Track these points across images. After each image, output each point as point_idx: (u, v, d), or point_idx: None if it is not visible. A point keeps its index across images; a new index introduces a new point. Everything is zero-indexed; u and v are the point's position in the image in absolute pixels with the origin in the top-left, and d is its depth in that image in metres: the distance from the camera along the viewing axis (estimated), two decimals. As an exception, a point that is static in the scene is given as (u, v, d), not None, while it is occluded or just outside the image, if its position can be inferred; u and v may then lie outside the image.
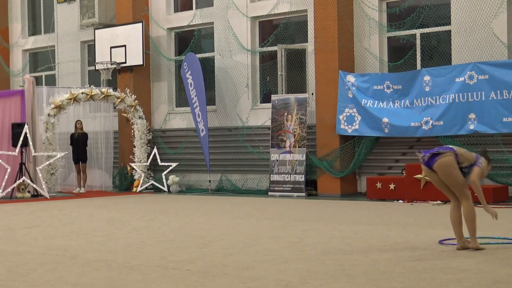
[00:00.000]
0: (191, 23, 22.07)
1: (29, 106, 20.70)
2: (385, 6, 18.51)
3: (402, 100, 17.41)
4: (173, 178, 21.03)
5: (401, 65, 18.02)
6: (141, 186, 21.37)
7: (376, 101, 17.79)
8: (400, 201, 16.52)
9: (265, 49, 20.57)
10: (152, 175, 21.82)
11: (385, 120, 17.53)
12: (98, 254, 9.35)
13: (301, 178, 18.83)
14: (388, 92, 17.64)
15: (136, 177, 21.72)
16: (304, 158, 18.85)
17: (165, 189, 21.04)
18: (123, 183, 22.12)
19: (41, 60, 26.93)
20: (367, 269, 7.86)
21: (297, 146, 19.03)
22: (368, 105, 17.86)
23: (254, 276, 7.56)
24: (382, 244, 9.83)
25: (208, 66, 21.52)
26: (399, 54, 18.33)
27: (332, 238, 10.55)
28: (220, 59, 21.30)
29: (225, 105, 21.14)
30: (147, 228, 12.45)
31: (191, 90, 20.69)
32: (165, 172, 21.23)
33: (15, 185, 19.82)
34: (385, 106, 17.66)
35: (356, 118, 18.09)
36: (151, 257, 9.00)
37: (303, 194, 18.64)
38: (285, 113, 19.28)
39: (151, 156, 21.63)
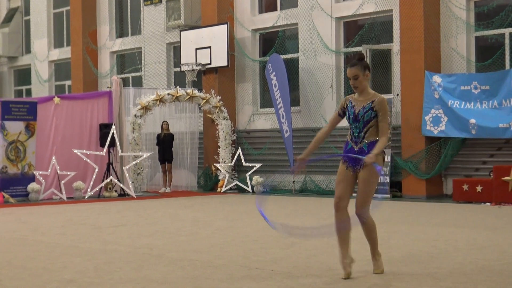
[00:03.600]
0: (276, 24, 22.11)
1: (116, 107, 21.06)
2: (473, 5, 18.19)
3: (490, 101, 17.09)
4: (257, 178, 21.10)
5: (489, 65, 17.69)
6: (225, 187, 21.50)
7: (463, 102, 17.52)
8: (487, 203, 16.22)
9: (349, 49, 20.46)
10: (236, 175, 21.93)
11: (472, 121, 17.23)
12: (183, 253, 9.45)
13: (385, 179, 18.66)
14: (476, 92, 17.34)
15: (220, 177, 21.87)
16: (389, 159, 18.68)
17: (249, 189, 21.13)
18: (208, 183, 22.30)
19: (128, 62, 27.35)
20: (453, 272, 7.76)
21: (382, 147, 18.84)
22: (454, 106, 17.59)
23: (337, 277, 7.54)
24: (469, 247, 9.67)
25: (292, 67, 21.52)
26: (487, 54, 17.98)
27: (417, 240, 10.44)
28: (304, 60, 21.29)
29: (309, 106, 21.10)
30: (231, 228, 12.53)
31: (276, 91, 20.73)
32: (249, 173, 21.33)
33: (102, 184, 20.20)
34: (472, 107, 17.38)
35: (442, 119, 17.84)
36: (235, 257, 9.06)
37: (388, 195, 18.47)
38: (370, 114, 19.11)
39: (236, 157, 21.75)
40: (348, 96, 8.05)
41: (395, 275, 7.62)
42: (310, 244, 10.14)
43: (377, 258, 7.82)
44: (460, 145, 18.01)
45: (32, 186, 19.32)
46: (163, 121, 22.27)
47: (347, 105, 7.95)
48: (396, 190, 18.70)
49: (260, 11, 22.85)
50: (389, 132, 7.67)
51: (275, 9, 22.43)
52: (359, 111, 7.78)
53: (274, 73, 20.78)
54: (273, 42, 22.08)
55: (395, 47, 19.30)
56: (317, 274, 7.79)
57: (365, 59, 7.95)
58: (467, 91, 17.49)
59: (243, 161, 21.55)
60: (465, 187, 16.87)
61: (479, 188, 16.58)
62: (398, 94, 19.01)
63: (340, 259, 7.65)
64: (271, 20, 22.28)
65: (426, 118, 18.05)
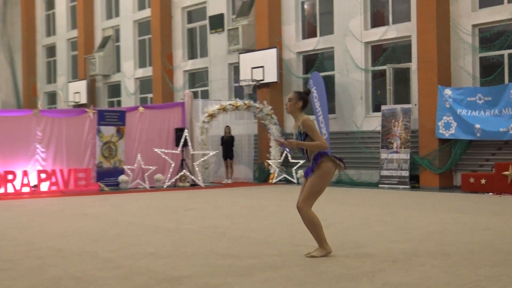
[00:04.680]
0: (316, 48, 22.05)
1: (188, 115, 21.23)
2: (477, 31, 17.93)
3: (492, 110, 16.85)
4: (301, 172, 21.05)
5: (491, 80, 17.42)
6: (275, 179, 21.51)
7: (470, 110, 17.30)
8: (490, 193, 15.95)
9: (376, 68, 20.33)
10: (284, 169, 21.92)
11: (477, 126, 17.01)
12: (241, 232, 9.49)
13: (406, 173, 18.49)
14: (480, 102, 17.11)
15: (271, 171, 21.89)
16: (408, 157, 18.51)
17: (295, 181, 21.10)
18: (261, 176, 22.33)
19: (197, 79, 27.53)
20: (461, 249, 7.66)
21: (402, 147, 18.70)
22: (462, 113, 17.37)
23: (367, 253, 7.50)
24: (474, 229, 9.53)
25: (329, 82, 21.42)
26: (489, 71, 17.70)
27: (432, 223, 10.32)
28: (339, 76, 21.20)
29: (343, 114, 21.00)
30: (280, 212, 12.54)
31: (316, 102, 20.67)
32: (295, 167, 21.29)
33: (177, 176, 20.36)
34: (477, 114, 17.15)
35: (452, 125, 17.62)
36: (284, 236, 9.06)
37: (408, 186, 18.29)
38: (393, 120, 18.98)
39: (284, 155, 21.74)
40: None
41: (413, 251, 7.55)
42: (344, 226, 10.11)
43: (316, 249, 7.32)
44: (467, 145, 17.77)
45: (122, 177, 19.57)
46: (226, 126, 22.39)
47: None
48: (414, 182, 18.49)
49: (303, 38, 22.81)
50: (324, 141, 7.20)
51: (315, 36, 22.37)
52: (295, 134, 7.41)
53: (314, 87, 20.72)
54: (314, 62, 22.03)
55: (413, 66, 19.11)
56: (351, 250, 7.75)
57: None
58: (473, 102, 17.27)
59: (289, 158, 21.53)
60: (472, 180, 16.61)
61: (483, 181, 16.30)
62: (416, 104, 18.82)
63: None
64: (312, 44, 22.24)
65: (439, 123, 17.85)
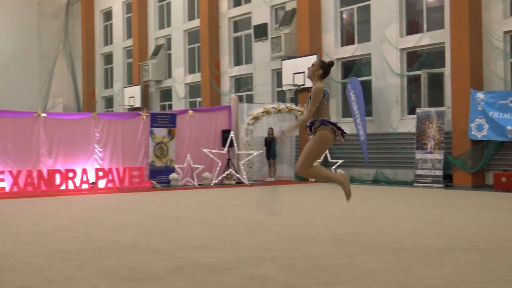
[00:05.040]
0: (353, 54, 21.90)
1: (234, 117, 21.27)
2: (508, 37, 17.57)
3: (523, 112, 16.53)
4: (340, 171, 20.90)
5: (522, 84, 17.10)
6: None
7: (501, 113, 16.95)
8: (521, 192, 15.64)
9: (411, 73, 20.08)
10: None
11: (509, 128, 16.66)
12: (284, 227, 9.45)
13: (439, 173, 18.21)
14: (511, 105, 16.76)
15: (311, 170, 21.75)
16: (442, 157, 18.23)
17: (334, 179, 20.93)
18: (303, 175, 22.21)
19: (242, 84, 27.59)
20: (494, 245, 7.49)
21: (436, 148, 18.42)
22: (494, 116, 17.03)
23: (403, 248, 7.38)
24: (507, 225, 9.32)
25: (366, 87, 21.23)
26: (521, 75, 17.38)
27: (465, 220, 10.13)
28: (376, 81, 21.00)
29: (380, 116, 20.79)
30: (320, 208, 12.47)
31: (354, 105, 20.51)
32: (334, 167, 21.15)
33: (224, 175, 20.42)
34: (508, 117, 16.80)
35: (484, 126, 17.29)
36: (323, 231, 8.99)
37: (441, 185, 18.01)
38: (427, 122, 18.72)
39: (323, 154, 21.61)
40: None
41: (448, 247, 7.40)
42: (381, 222, 9.99)
43: (344, 191, 7.31)
44: (499, 146, 17.41)
45: (173, 175, 19.70)
46: (269, 128, 22.36)
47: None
48: (448, 181, 18.19)
49: (342, 45, 22.66)
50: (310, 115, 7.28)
51: (353, 43, 22.21)
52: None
53: (352, 91, 20.57)
54: (352, 68, 21.87)
55: (446, 71, 18.83)
56: (387, 245, 7.64)
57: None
58: (504, 105, 16.93)
59: (329, 157, 21.38)
60: (503, 179, 16.29)
61: (514, 180, 16.02)
62: (449, 107, 18.53)
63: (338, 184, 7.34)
64: (350, 51, 22.07)
65: (472, 125, 17.53)
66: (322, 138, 7.16)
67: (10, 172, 17.46)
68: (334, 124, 7.27)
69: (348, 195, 7.27)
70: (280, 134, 7.30)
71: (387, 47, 20.54)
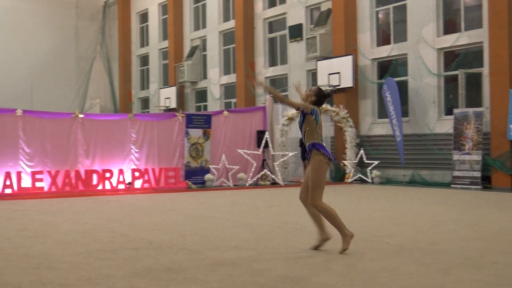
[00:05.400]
0: (390, 55, 21.70)
1: (269, 118, 21.28)
2: (549, 36, 17.25)
3: None
4: (375, 172, 20.77)
5: None
6: (351, 178, 21.29)
7: (541, 113, 16.64)
8: (562, 194, 15.30)
9: (448, 73, 19.81)
10: (359, 170, 21.66)
11: (549, 128, 16.35)
12: (319, 228, 9.42)
13: (477, 174, 17.93)
14: (552, 105, 16.45)
15: (347, 171, 21.67)
16: (480, 158, 17.95)
17: (369, 180, 20.81)
18: (337, 176, 22.13)
19: (277, 84, 27.57)
20: (534, 248, 7.36)
21: (474, 149, 18.15)
22: (534, 116, 16.73)
23: (440, 250, 7.30)
24: (547, 228, 9.15)
25: (402, 87, 21.03)
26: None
27: (504, 222, 9.96)
28: (412, 81, 20.78)
29: (416, 117, 20.57)
30: (356, 209, 12.39)
31: (390, 106, 20.34)
32: (369, 168, 21.00)
33: (259, 175, 20.44)
34: (549, 117, 16.47)
35: (524, 127, 16.99)
36: (359, 232, 8.93)
37: (479, 187, 17.73)
38: (465, 123, 18.46)
39: (359, 156, 21.46)
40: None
41: (486, 249, 7.29)
42: (417, 223, 9.88)
43: (343, 242, 7.29)
44: (539, 147, 17.10)
45: (208, 176, 19.79)
46: (304, 129, 22.31)
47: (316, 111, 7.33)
48: (486, 183, 17.91)
49: (378, 45, 22.48)
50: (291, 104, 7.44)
51: (389, 43, 22.01)
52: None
53: (388, 91, 20.40)
54: (388, 68, 21.68)
55: (485, 70, 18.54)
56: (424, 247, 7.56)
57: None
58: (545, 105, 16.62)
59: (364, 158, 21.24)
60: (543, 181, 16.00)
61: (555, 182, 15.69)
62: (487, 107, 18.24)
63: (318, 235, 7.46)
64: (386, 51, 21.89)
65: (511, 126, 17.23)
66: (318, 164, 7.27)
67: (49, 172, 17.76)
68: (325, 150, 7.33)
69: (343, 249, 7.19)
70: (262, 82, 7.12)
71: (424, 47, 20.32)
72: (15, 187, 17.12)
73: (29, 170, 17.58)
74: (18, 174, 17.30)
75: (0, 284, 5.67)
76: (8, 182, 17.04)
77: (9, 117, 17.55)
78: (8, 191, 16.96)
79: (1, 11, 36.46)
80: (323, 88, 7.79)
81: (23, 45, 36.72)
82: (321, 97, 7.40)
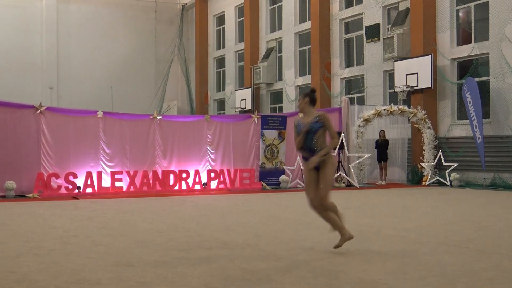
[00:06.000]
0: (470, 54, 21.11)
1: (344, 119, 21.11)
2: None
3: None
4: (454, 175, 20.25)
5: None
6: (428, 181, 20.83)
7: None
8: None
9: (533, 72, 19.11)
10: (437, 172, 21.18)
11: None
12: (395, 231, 9.27)
13: None
14: None
15: (425, 173, 21.22)
16: None
17: (448, 183, 20.31)
18: (415, 178, 21.71)
19: (353, 85, 27.33)
20: None
21: (560, 152, 17.43)
22: None
23: (522, 256, 7.04)
24: None
25: (483, 87, 20.41)
26: None
27: None
28: (494, 81, 20.13)
29: (498, 118, 19.90)
30: (433, 213, 12.11)
31: (470, 107, 19.78)
32: (448, 170, 20.50)
33: (334, 177, 20.29)
34: None
35: None
36: (437, 236, 8.73)
37: None
38: (550, 125, 17.74)
39: (437, 158, 20.98)
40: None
41: None
42: (498, 228, 9.56)
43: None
44: None
45: (283, 177, 19.81)
46: (381, 130, 22.04)
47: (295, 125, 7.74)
48: None
49: (458, 44, 21.91)
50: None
51: (470, 42, 21.41)
52: (307, 125, 7.62)
53: (469, 92, 19.84)
54: (468, 68, 21.08)
55: None
56: (505, 252, 7.30)
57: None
58: None
59: (443, 161, 20.75)
60: None
61: None
62: None
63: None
64: (466, 51, 21.30)
65: None
66: (334, 165, 7.60)
67: (128, 172, 18.23)
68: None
69: (338, 245, 7.37)
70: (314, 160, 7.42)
71: (507, 45, 19.64)
72: (96, 187, 17.66)
73: (109, 170, 18.10)
74: (99, 174, 17.84)
75: (80, 280, 5.86)
76: (89, 182, 17.60)
77: (91, 119, 18.14)
78: (89, 190, 17.52)
79: (83, 16, 37.72)
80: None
81: (104, 48, 37.88)
82: (310, 94, 7.71)
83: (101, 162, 18.11)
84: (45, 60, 36.48)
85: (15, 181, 16.62)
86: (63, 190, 17.22)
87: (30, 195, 16.59)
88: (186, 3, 40.56)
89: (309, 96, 7.69)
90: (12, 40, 35.61)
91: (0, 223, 10.73)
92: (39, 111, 17.42)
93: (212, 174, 19.34)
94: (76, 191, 17.34)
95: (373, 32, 25.32)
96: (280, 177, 19.81)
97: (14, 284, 5.71)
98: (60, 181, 17.32)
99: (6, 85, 34.22)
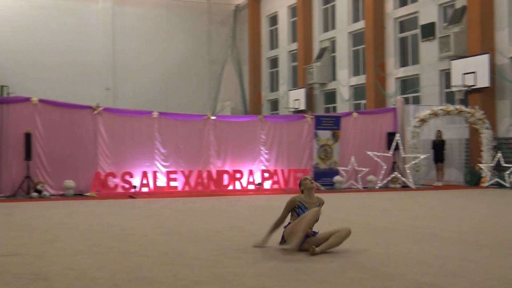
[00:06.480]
0: (531, 52, 20.59)
1: (399, 120, 20.88)
2: None
3: None
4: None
5: None
6: (487, 182, 20.38)
7: None
8: None
9: None
10: (496, 173, 20.69)
11: None
12: (454, 233, 9.09)
13: None
14: None
15: (483, 174, 20.77)
16: None
17: (507, 185, 19.82)
18: (473, 179, 21.27)
19: (408, 85, 26.98)
20: None
21: None
22: None
23: None
24: None
25: (545, 86, 19.90)
26: None
27: None
28: (556, 80, 19.58)
29: (560, 118, 19.36)
30: (493, 215, 11.82)
31: (530, 106, 19.30)
32: (507, 172, 20.02)
33: (389, 178, 20.09)
34: None
35: None
36: (496, 239, 8.53)
37: None
38: None
39: (496, 159, 20.51)
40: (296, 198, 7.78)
41: None
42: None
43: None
44: None
45: (337, 178, 19.71)
46: (437, 130, 21.70)
47: (297, 205, 7.71)
48: None
49: (517, 42, 21.42)
50: None
51: (530, 40, 20.88)
52: (310, 205, 7.71)
53: (529, 91, 19.36)
54: (529, 66, 20.57)
55: None
56: None
57: None
58: None
59: (502, 162, 20.27)
60: None
61: None
62: None
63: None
64: (526, 48, 20.79)
65: None
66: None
67: (182, 172, 18.44)
68: None
69: (287, 248, 7.24)
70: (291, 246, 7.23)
71: None
72: (151, 186, 17.93)
73: (164, 169, 18.35)
74: (154, 173, 18.11)
75: (137, 278, 5.95)
76: (145, 181, 17.88)
77: (146, 119, 18.42)
78: (144, 189, 17.80)
79: (138, 18, 38.34)
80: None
81: (159, 50, 38.41)
82: (300, 186, 7.90)
83: (156, 162, 18.37)
84: (102, 61, 37.24)
85: (74, 180, 17.03)
86: (119, 189, 17.56)
87: (88, 193, 16.97)
88: (239, 4, 40.76)
89: (300, 185, 7.91)
90: (69, 42, 36.47)
91: (59, 221, 11.00)
92: (96, 111, 17.80)
93: (266, 174, 19.38)
94: (132, 190, 17.65)
95: (428, 30, 24.94)
96: (334, 177, 19.71)
97: (73, 281, 5.84)
98: (117, 180, 17.66)
99: (65, 87, 35.07)
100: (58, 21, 36.49)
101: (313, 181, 7.87)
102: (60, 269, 6.40)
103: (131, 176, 17.82)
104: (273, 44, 38.47)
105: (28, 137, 16.73)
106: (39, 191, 16.47)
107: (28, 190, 16.64)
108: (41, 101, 17.33)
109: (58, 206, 14.01)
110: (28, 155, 16.70)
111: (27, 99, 17.23)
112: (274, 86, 38.48)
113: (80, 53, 36.67)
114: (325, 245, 7.31)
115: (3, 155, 16.77)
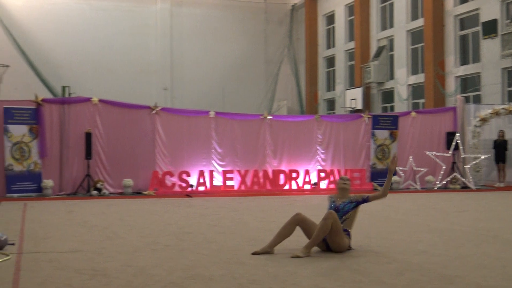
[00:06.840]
0: None
1: (459, 119, 20.48)
2: None
3: None
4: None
5: None
6: (551, 184, 19.79)
7: None
8: None
9: None
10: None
11: None
12: (516, 236, 8.86)
13: None
14: None
15: (546, 176, 20.17)
16: None
17: None
18: (535, 181, 20.70)
19: (469, 84, 26.40)
20: None
21: None
22: None
23: None
24: None
25: None
26: None
27: None
28: None
29: None
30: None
31: None
32: None
33: (448, 178, 19.70)
34: None
35: None
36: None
37: None
38: None
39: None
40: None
41: None
42: None
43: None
44: None
45: (394, 178, 19.41)
46: (500, 130, 21.15)
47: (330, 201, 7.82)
48: None
49: None
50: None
51: None
52: (340, 204, 7.70)
53: None
54: None
55: None
56: None
57: None
58: None
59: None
60: None
61: None
62: None
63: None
64: None
65: None
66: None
67: (238, 171, 18.53)
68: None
69: (262, 249, 7.27)
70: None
71: None
72: (208, 185, 18.09)
73: (220, 169, 18.49)
74: (211, 172, 18.26)
75: (194, 275, 6.01)
76: (201, 180, 18.06)
77: (203, 119, 18.60)
78: (201, 188, 17.98)
79: (195, 19, 38.72)
80: None
81: (215, 50, 38.69)
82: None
83: (213, 161, 18.52)
84: (160, 62, 37.75)
85: (132, 178, 17.34)
86: (177, 188, 17.77)
87: (146, 192, 17.25)
88: (295, 3, 40.68)
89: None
90: (128, 43, 37.11)
91: (118, 218, 11.22)
92: (154, 111, 18.07)
93: (322, 174, 19.29)
94: (189, 189, 17.85)
95: (490, 28, 24.34)
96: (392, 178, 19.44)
97: (131, 277, 5.94)
98: (174, 179, 17.88)
99: (124, 87, 35.70)
100: (118, 22, 37.16)
101: (346, 182, 7.85)
102: (118, 265, 6.52)
103: (188, 175, 18.02)
104: (330, 43, 38.25)
105: (88, 136, 17.12)
106: (98, 189, 16.85)
107: (88, 188, 17.04)
108: (101, 101, 17.71)
109: (117, 204, 14.29)
110: (88, 154, 17.09)
111: (88, 99, 17.64)
112: (330, 86, 38.26)
113: (139, 53, 37.26)
114: (310, 242, 7.22)
115: (65, 154, 17.22)
